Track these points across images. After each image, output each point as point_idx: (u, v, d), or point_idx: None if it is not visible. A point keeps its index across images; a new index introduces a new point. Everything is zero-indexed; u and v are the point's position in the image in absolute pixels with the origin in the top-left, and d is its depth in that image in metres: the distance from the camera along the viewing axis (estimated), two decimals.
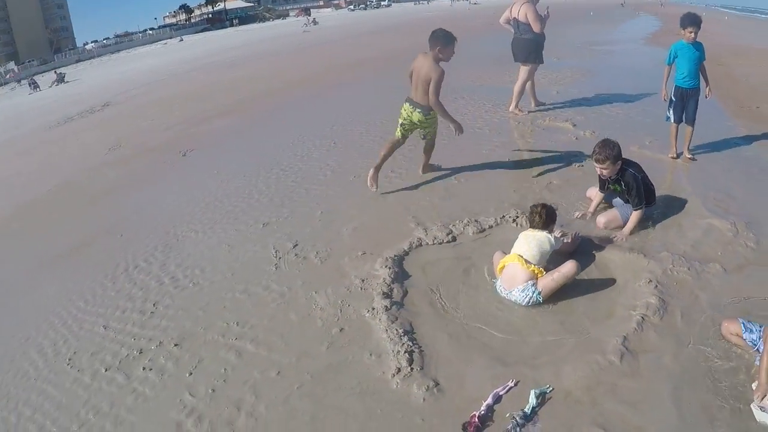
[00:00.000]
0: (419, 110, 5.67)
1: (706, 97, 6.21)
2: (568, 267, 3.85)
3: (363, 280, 4.23)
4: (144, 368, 3.70)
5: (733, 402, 2.89)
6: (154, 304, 4.49)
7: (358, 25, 45.62)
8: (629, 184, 4.63)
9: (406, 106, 5.78)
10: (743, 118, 8.27)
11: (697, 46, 6.00)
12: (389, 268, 4.29)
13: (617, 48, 17.90)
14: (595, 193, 5.12)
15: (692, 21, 5.84)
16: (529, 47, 8.24)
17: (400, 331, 3.56)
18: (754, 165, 6.12)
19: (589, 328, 3.60)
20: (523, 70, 8.42)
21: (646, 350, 3.33)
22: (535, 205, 4.25)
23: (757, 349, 3.08)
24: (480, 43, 20.03)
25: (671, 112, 6.29)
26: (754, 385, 2.89)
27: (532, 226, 4.18)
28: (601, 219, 4.87)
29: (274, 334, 3.79)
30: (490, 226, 5.04)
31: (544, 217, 4.14)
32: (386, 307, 3.81)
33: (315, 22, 57.30)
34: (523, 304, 3.82)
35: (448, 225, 5.06)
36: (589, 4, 49.27)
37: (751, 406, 2.79)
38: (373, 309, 3.83)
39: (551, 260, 4.08)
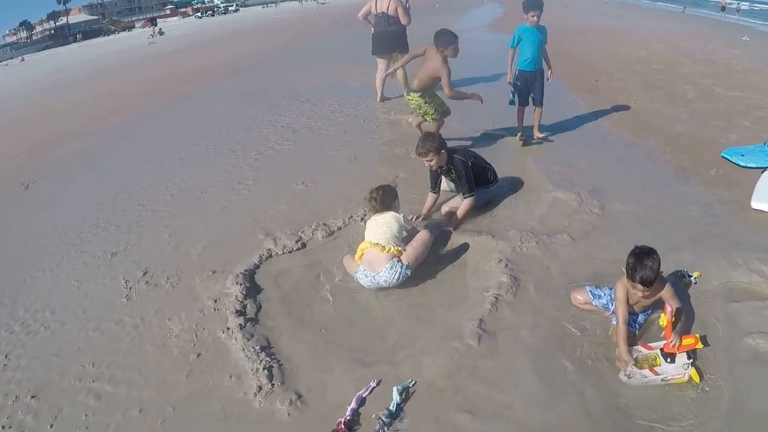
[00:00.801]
0: (418, 95, 6.71)
1: (548, 80, 7.14)
2: (424, 235, 4.42)
3: (215, 301, 4.47)
4: (3, 427, 3.62)
5: (593, 363, 3.41)
6: (6, 356, 4.42)
7: (206, 33, 45.78)
8: (459, 171, 5.20)
9: (412, 95, 6.86)
10: (583, 93, 9.67)
11: (540, 29, 6.89)
12: (240, 284, 4.58)
13: (462, 37, 19.57)
14: (429, 195, 5.55)
15: (534, 5, 6.69)
16: (399, 38, 9.67)
17: (257, 347, 3.80)
18: (594, 135, 7.21)
19: (444, 315, 4.00)
20: (382, 63, 9.98)
21: (502, 328, 3.77)
22: (371, 190, 4.67)
23: (613, 312, 3.64)
24: (327, 43, 20.88)
25: (516, 96, 7.11)
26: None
27: (375, 211, 4.58)
28: (445, 207, 5.40)
29: (131, 370, 3.89)
30: (339, 228, 5.40)
31: (382, 196, 4.57)
32: (241, 325, 4.06)
33: (161, 33, 57.22)
34: (393, 281, 4.19)
35: (296, 232, 5.37)
36: None
37: (620, 376, 3.29)
38: (228, 329, 4.07)
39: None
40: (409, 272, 4.22)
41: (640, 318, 3.69)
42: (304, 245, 5.17)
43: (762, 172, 6.21)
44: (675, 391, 3.19)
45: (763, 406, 3.07)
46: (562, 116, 7.98)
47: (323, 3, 77.25)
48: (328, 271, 4.71)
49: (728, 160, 6.72)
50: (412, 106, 7.02)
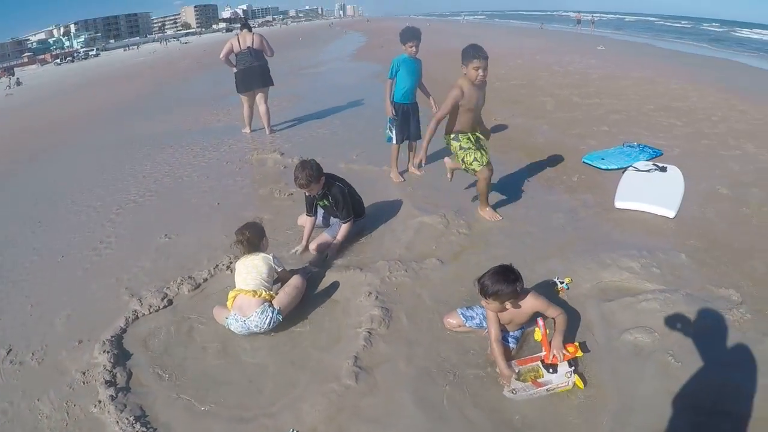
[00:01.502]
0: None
1: (434, 111, 7.44)
2: (296, 280, 4.66)
3: (84, 373, 4.45)
4: None
5: (475, 384, 3.70)
6: None
7: (66, 81, 43.93)
8: (336, 197, 5.52)
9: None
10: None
11: (418, 61, 7.32)
12: (108, 352, 4.59)
13: (325, 68, 21.79)
14: (305, 220, 5.87)
15: (413, 35, 7.08)
16: (265, 73, 10.69)
17: (131, 418, 3.83)
18: None
19: (319, 357, 4.16)
20: (247, 100, 10.90)
21: (379, 363, 3.99)
22: (237, 230, 4.81)
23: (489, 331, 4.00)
24: (188, 84, 21.02)
25: (393, 132, 7.44)
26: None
27: (243, 253, 4.73)
28: (313, 245, 5.64)
29: None
30: (205, 279, 5.51)
31: (249, 237, 4.73)
32: (112, 396, 4.09)
33: (18, 83, 53.94)
34: (264, 326, 4.35)
35: (162, 289, 5.38)
36: (299, 30, 54.84)
37: (504, 393, 3.58)
38: (100, 402, 4.08)
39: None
40: (280, 317, 4.41)
41: (516, 333, 4.06)
42: (170, 302, 5.19)
43: (623, 173, 7.11)
44: (562, 399, 3.55)
45: (650, 397, 3.51)
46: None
47: (186, 42, 79.43)
48: (198, 326, 4.75)
49: (590, 165, 7.60)
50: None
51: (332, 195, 5.54)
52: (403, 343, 4.16)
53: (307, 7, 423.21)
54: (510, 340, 3.99)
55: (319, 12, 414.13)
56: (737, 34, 63.69)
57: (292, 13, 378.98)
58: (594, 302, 4.49)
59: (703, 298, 4.52)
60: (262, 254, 4.72)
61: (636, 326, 4.15)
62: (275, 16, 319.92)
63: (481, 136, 6.15)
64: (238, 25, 11.00)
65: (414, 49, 7.04)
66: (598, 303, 4.48)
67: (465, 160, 5.89)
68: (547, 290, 4.59)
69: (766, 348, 3.93)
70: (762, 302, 4.55)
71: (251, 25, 10.95)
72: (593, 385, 3.65)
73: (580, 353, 3.79)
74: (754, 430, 3.26)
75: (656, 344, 3.98)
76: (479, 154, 5.83)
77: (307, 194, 5.55)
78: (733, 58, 30.13)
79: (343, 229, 5.58)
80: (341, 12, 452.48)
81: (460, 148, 5.91)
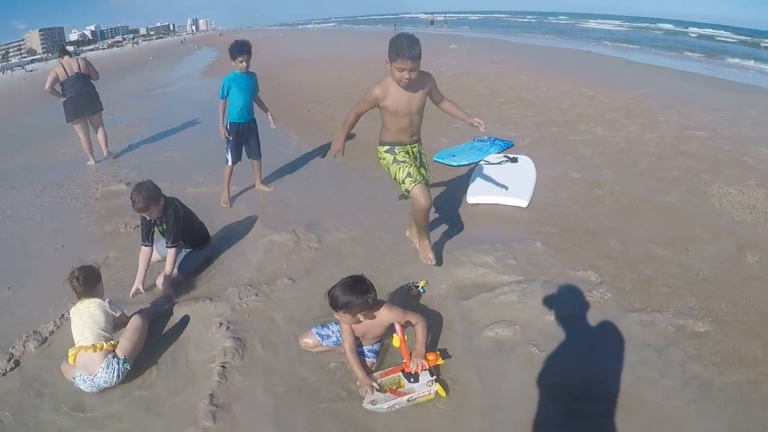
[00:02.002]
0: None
1: (273, 127, 7.45)
2: (136, 321, 4.37)
3: None
4: None
5: (337, 403, 3.65)
6: None
7: None
8: (168, 218, 5.25)
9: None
10: (296, 126, 10.37)
11: (251, 75, 7.10)
12: None
13: (174, 88, 21.10)
14: (141, 252, 5.53)
15: (242, 50, 6.81)
16: (95, 98, 10.32)
17: None
18: (308, 167, 7.78)
19: (174, 401, 3.93)
20: (80, 128, 10.33)
21: (237, 397, 3.82)
22: (71, 272, 4.47)
23: None
24: (32, 116, 19.69)
25: (229, 153, 7.18)
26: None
27: (79, 297, 4.41)
28: (159, 279, 5.32)
29: None
30: (52, 332, 5.05)
31: (84, 280, 4.41)
32: None
33: None
34: (114, 380, 4.07)
35: (7, 349, 4.85)
36: (150, 49, 52.83)
37: (364, 405, 3.53)
38: None
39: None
40: (128, 366, 4.13)
41: (375, 347, 4.04)
42: (17, 363, 4.71)
43: (474, 167, 7.32)
44: (428, 408, 3.56)
45: (518, 392, 3.61)
46: (273, 156, 8.42)
47: (31, 71, 74.11)
48: (49, 386, 4.33)
49: (441, 162, 7.78)
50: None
51: (167, 218, 5.28)
52: (259, 373, 4.03)
53: (158, 24, 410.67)
54: (369, 354, 3.97)
55: (171, 28, 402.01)
56: (582, 25, 68.90)
57: (142, 31, 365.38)
58: (452, 302, 4.57)
59: (562, 284, 4.73)
60: (97, 300, 4.42)
61: (496, 321, 4.26)
62: (125, 36, 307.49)
63: (424, 153, 5.29)
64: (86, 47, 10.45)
65: (244, 64, 6.84)
66: (456, 302, 4.56)
67: (396, 176, 4.93)
68: (404, 296, 4.62)
69: (628, 324, 4.21)
70: (620, 280, 4.87)
71: (84, 48, 10.56)
72: (458, 388, 3.68)
73: (440, 360, 3.83)
74: (624, 409, 3.43)
75: (518, 337, 4.11)
76: (414, 170, 4.88)
77: (147, 218, 5.23)
78: (582, 47, 32.35)
79: (169, 256, 5.27)
80: (194, 27, 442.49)
81: (394, 161, 4.93)
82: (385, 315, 3.78)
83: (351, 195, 6.84)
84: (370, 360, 3.93)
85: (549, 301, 4.44)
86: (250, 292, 4.93)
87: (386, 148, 4.97)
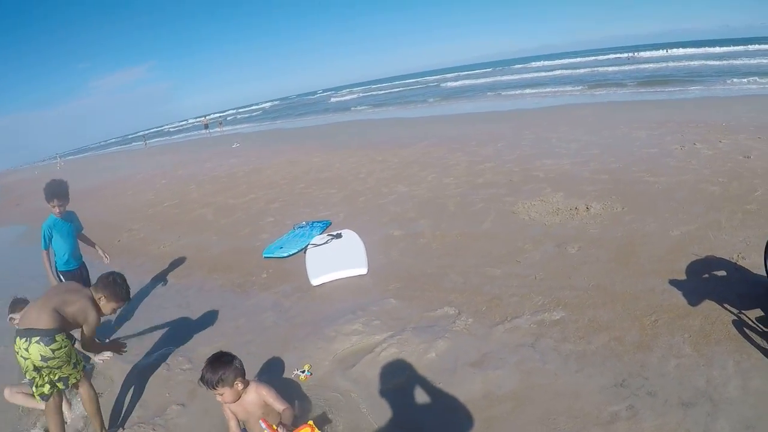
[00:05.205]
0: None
1: (106, 262, 7.01)
2: None
3: None
4: None
5: None
6: None
7: None
8: None
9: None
10: (115, 259, 10.08)
11: (70, 216, 6.67)
12: None
13: None
14: None
15: (55, 193, 6.34)
16: None
17: None
18: (146, 296, 7.70)
19: None
20: None
21: None
22: None
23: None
24: None
25: None
26: None
27: None
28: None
29: None
30: None
31: None
32: None
33: None
34: None
35: None
36: None
37: None
38: None
39: None
40: None
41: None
42: None
43: (305, 253, 7.78)
44: None
45: (436, 416, 4.07)
46: None
47: None
48: None
49: (272, 257, 8.15)
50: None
51: None
52: None
53: None
54: None
55: None
56: (335, 99, 73.49)
57: None
58: (340, 374, 4.87)
59: (427, 325, 5.32)
60: None
61: (387, 374, 4.68)
62: None
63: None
64: None
65: (57, 209, 6.40)
66: (344, 372, 4.87)
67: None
68: (294, 384, 4.85)
69: (498, 336, 4.95)
70: (474, 304, 5.61)
71: None
72: None
73: (317, 430, 3.87)
74: (528, 400, 4.05)
75: (412, 380, 4.56)
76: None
77: None
78: (356, 117, 34.36)
79: None
80: None
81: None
82: (261, 392, 3.93)
83: (198, 311, 6.88)
84: None
85: (425, 342, 4.96)
86: (147, 428, 4.86)
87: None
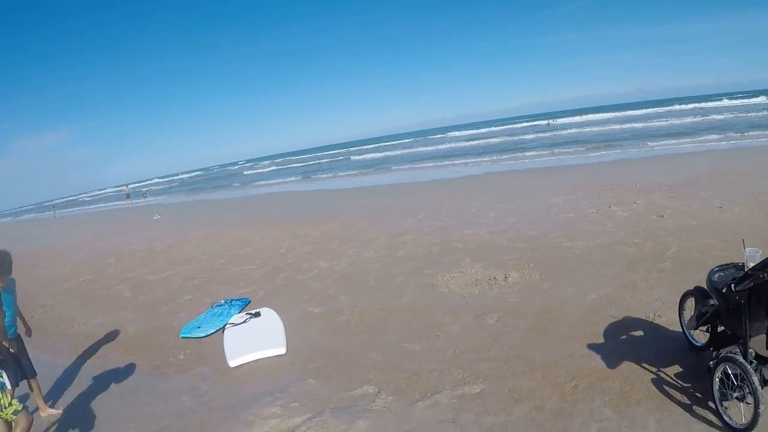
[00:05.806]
0: None
1: (28, 336, 6.73)
2: None
3: None
4: None
5: None
6: None
7: None
8: None
9: None
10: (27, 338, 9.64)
11: (9, 289, 6.39)
12: None
13: None
14: None
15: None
16: None
17: None
18: (77, 377, 7.29)
19: None
20: None
21: None
22: None
23: None
24: None
25: (6, 376, 6.37)
26: None
27: None
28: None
29: None
30: None
31: None
32: None
33: None
34: None
35: None
36: None
37: None
38: None
39: None
40: None
41: None
42: None
43: (223, 333, 7.60)
44: None
45: None
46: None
47: None
48: None
49: (189, 337, 7.91)
50: None
51: None
52: None
53: None
54: None
55: None
56: (248, 172, 73.76)
57: None
58: None
59: (347, 405, 5.22)
60: None
61: None
62: None
63: None
64: None
65: (1, 284, 6.28)
66: None
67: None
68: None
69: (418, 413, 4.92)
70: (394, 382, 5.56)
71: None
72: None
73: None
74: None
75: None
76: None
77: None
78: (279, 189, 34.40)
79: None
80: None
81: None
82: None
83: (116, 395, 6.54)
84: None
85: (344, 424, 4.87)
86: None
87: None
